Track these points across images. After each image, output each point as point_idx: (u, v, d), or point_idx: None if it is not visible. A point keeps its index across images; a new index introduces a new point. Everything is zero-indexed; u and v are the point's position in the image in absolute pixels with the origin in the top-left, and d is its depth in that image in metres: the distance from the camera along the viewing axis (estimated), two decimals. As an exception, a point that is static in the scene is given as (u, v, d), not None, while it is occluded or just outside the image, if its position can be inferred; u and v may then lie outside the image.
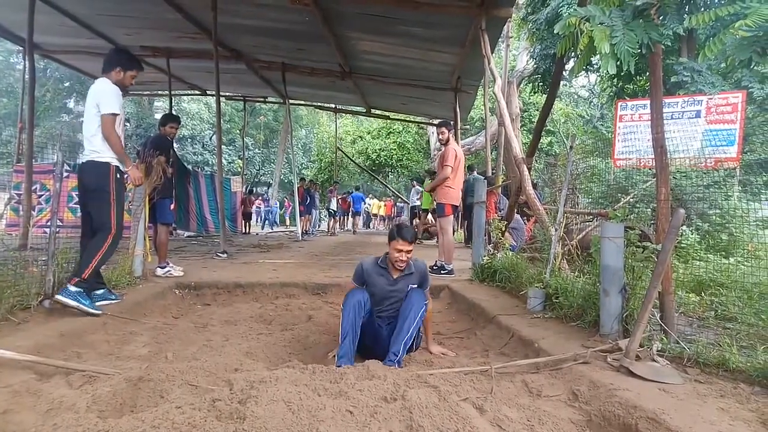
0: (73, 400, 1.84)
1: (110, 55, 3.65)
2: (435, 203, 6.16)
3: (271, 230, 18.30)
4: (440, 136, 5.68)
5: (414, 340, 2.79)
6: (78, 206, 3.87)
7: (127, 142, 4.03)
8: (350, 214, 18.29)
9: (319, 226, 18.03)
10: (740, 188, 5.89)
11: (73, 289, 3.13)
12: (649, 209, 5.20)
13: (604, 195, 5.82)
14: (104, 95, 3.37)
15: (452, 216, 5.64)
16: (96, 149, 3.38)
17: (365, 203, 23.57)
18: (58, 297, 3.09)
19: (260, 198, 23.44)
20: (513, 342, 3.03)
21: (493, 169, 11.94)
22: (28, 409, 1.79)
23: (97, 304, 3.32)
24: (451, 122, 5.95)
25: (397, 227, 2.86)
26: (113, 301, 3.54)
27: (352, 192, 18.64)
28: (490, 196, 7.80)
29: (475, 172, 10.28)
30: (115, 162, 3.42)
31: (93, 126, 3.38)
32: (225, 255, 6.72)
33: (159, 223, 4.97)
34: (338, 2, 6.78)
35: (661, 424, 1.70)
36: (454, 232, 8.00)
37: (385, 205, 25.83)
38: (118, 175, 3.44)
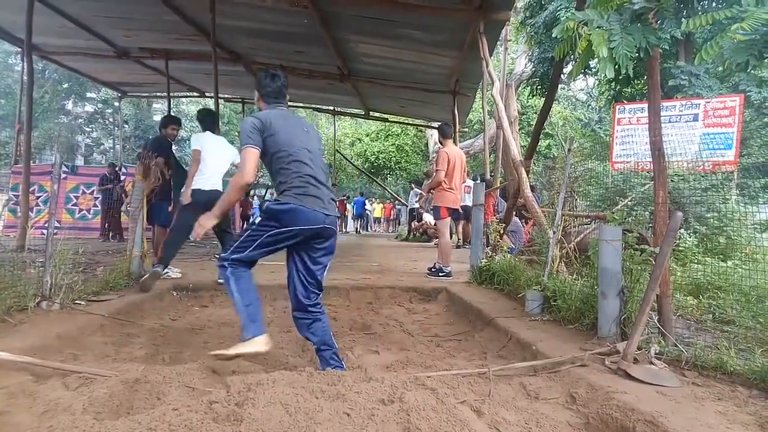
0: (69, 401, 1.84)
1: None
2: (432, 206, 6.19)
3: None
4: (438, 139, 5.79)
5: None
6: (75, 208, 4.01)
7: (125, 143, 4.14)
8: (352, 216, 18.36)
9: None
10: (738, 191, 5.91)
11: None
12: (647, 212, 5.22)
13: (602, 198, 5.83)
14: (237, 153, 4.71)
15: (448, 218, 5.65)
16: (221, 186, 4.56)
17: (367, 208, 23.93)
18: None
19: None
20: (511, 344, 3.03)
21: (491, 172, 11.95)
22: (24, 410, 1.78)
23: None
24: (449, 125, 5.97)
25: None
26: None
27: (348, 195, 18.66)
28: (488, 198, 7.82)
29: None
30: None
31: (225, 169, 4.70)
32: (223, 257, 6.71)
33: (156, 224, 4.96)
34: (336, 5, 6.80)
35: (658, 426, 1.70)
36: (452, 234, 8.03)
37: (384, 208, 25.89)
38: None
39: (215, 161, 4.57)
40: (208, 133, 4.71)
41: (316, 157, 2.56)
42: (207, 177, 4.49)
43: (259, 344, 2.36)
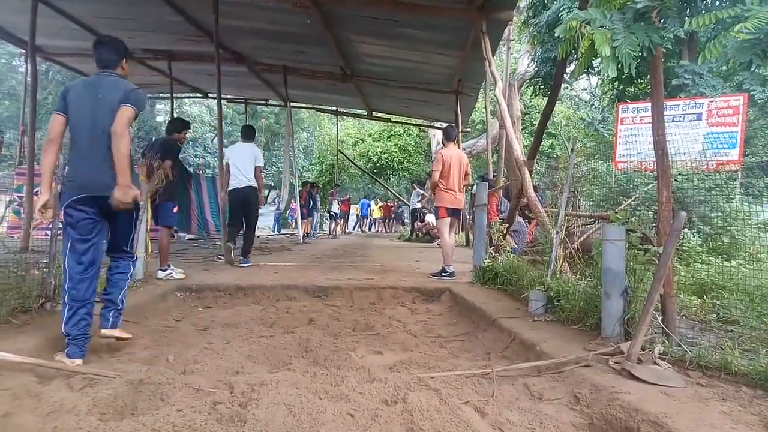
0: (73, 402, 1.84)
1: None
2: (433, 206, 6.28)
3: (272, 233, 18.29)
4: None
5: None
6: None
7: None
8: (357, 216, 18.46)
9: (320, 229, 18.04)
10: (742, 191, 5.89)
11: (246, 258, 6.13)
12: (651, 212, 5.20)
13: (605, 198, 5.81)
14: (260, 154, 6.30)
15: (448, 218, 5.64)
16: (252, 180, 6.05)
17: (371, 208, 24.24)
18: (240, 265, 6.00)
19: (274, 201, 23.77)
20: (514, 345, 3.03)
21: (494, 172, 11.93)
22: (28, 411, 1.79)
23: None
24: (453, 128, 6.00)
25: None
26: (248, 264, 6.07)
27: (350, 196, 18.69)
28: (491, 198, 7.80)
29: None
30: None
31: (251, 168, 6.06)
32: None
33: (161, 225, 4.97)
34: (339, 5, 6.80)
35: (663, 427, 1.70)
36: (456, 234, 8.03)
37: (381, 208, 25.74)
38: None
39: (239, 164, 6.06)
40: (234, 145, 6.30)
41: (97, 128, 2.61)
42: (236, 177, 6.05)
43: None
